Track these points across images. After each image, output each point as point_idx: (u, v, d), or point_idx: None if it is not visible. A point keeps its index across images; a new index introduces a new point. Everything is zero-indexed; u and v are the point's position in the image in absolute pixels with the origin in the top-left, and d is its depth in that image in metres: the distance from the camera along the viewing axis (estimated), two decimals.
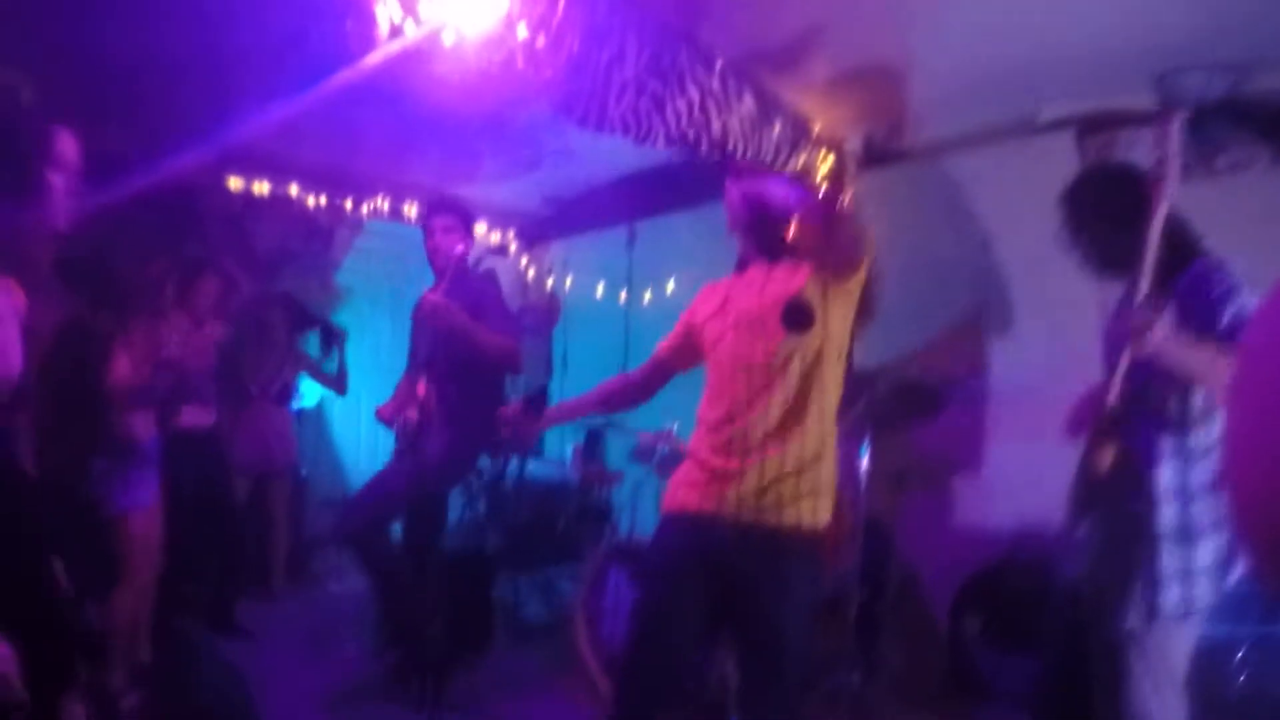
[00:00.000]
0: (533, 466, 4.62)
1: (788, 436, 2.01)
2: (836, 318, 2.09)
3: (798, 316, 2.03)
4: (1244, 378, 0.61)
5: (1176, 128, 1.71)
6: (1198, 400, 1.91)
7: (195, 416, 3.99)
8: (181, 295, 4.03)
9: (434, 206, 3.74)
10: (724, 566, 1.99)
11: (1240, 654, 1.88)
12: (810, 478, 2.02)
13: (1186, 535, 1.89)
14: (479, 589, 3.91)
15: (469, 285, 3.61)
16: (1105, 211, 2.11)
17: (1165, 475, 1.92)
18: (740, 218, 2.24)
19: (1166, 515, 1.90)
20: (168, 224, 4.41)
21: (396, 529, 3.65)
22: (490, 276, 3.94)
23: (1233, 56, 3.25)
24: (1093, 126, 3.74)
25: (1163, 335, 1.76)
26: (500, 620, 4.05)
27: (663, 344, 2.46)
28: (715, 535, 2.01)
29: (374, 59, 2.92)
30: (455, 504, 4.36)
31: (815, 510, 2.02)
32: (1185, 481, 1.90)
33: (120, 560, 3.11)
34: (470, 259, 3.57)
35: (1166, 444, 1.92)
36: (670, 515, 2.14)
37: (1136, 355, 1.82)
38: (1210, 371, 1.74)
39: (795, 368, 2.03)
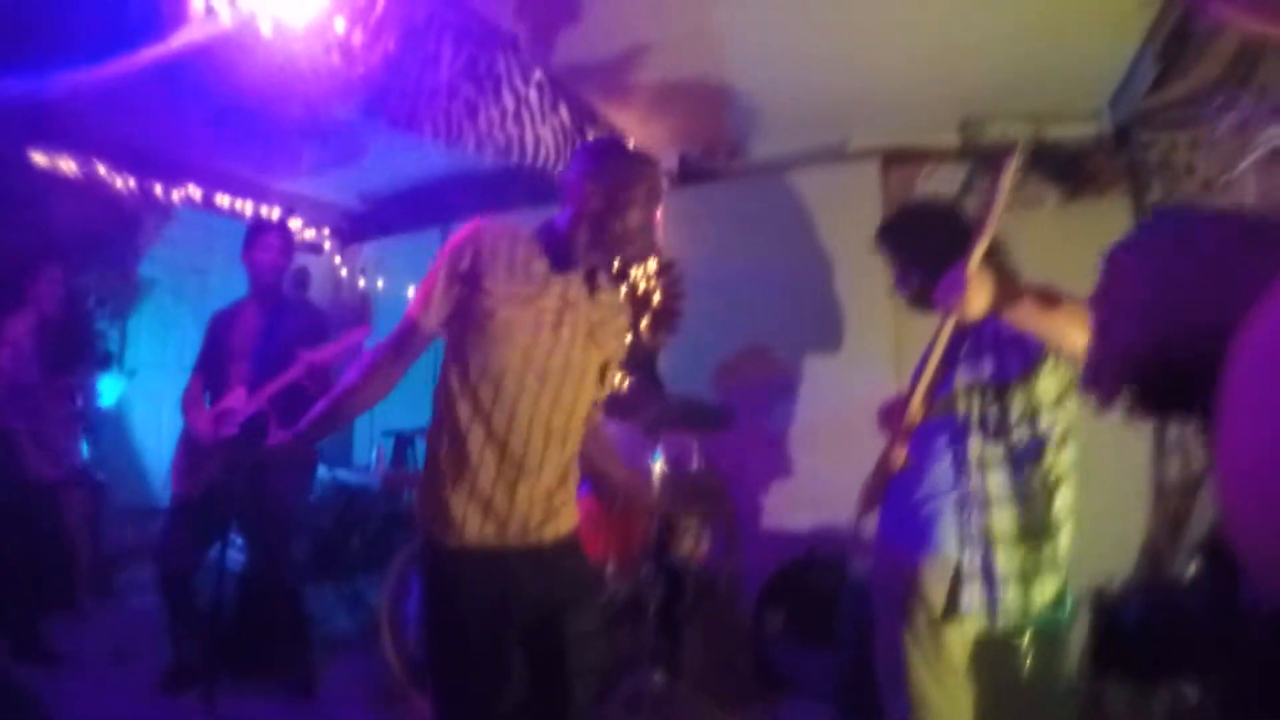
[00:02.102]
0: (339, 474, 4.48)
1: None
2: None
3: None
4: (1240, 384, 0.60)
5: (1012, 166, 1.79)
6: (1016, 406, 1.99)
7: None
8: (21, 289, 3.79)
9: (261, 226, 3.63)
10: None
11: (1025, 639, 1.98)
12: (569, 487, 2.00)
13: (1017, 539, 1.95)
14: (286, 601, 3.75)
15: (289, 308, 3.60)
16: (923, 245, 2.17)
17: (995, 481, 1.99)
18: None
19: (999, 519, 1.97)
20: None
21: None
22: (302, 278, 3.82)
23: (1029, 107, 3.58)
24: (897, 159, 4.02)
25: (987, 289, 1.78)
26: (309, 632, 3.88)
27: None
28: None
29: (188, 37, 2.78)
30: None
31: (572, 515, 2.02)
32: (1016, 485, 1.97)
33: None
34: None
35: (993, 452, 2.00)
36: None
37: (963, 320, 1.85)
38: (1038, 317, 1.78)
39: None
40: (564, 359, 1.87)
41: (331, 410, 1.97)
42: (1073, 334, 1.77)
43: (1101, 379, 0.79)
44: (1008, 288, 1.82)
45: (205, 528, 3.35)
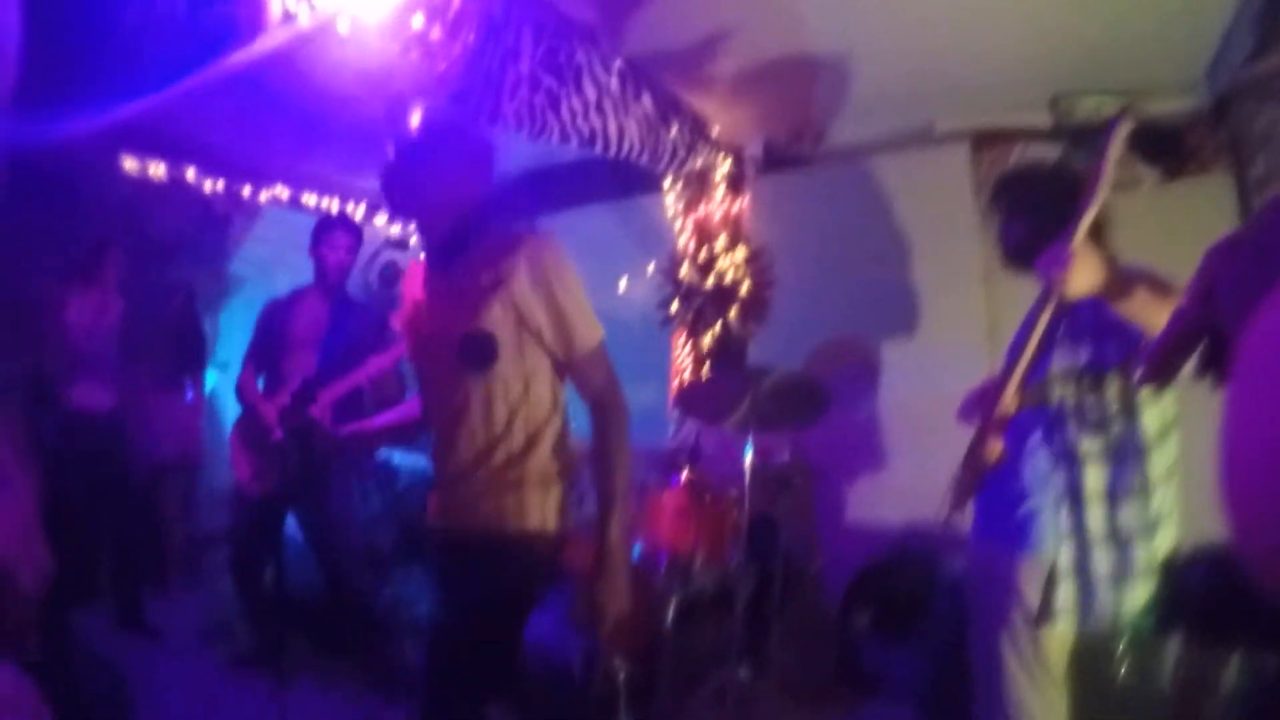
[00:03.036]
0: (427, 461, 4.54)
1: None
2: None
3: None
4: (1244, 383, 0.60)
5: (1123, 133, 1.71)
6: (1114, 397, 1.92)
7: (92, 397, 3.85)
8: (86, 272, 3.92)
9: (329, 222, 3.69)
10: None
11: (1121, 647, 1.90)
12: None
13: (1114, 539, 1.88)
14: (372, 586, 3.84)
15: (355, 307, 3.67)
16: (1034, 203, 2.10)
17: (1092, 476, 1.92)
18: None
19: (1093, 517, 1.90)
20: (56, 205, 4.23)
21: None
22: (390, 273, 3.87)
23: (1122, 82, 3.42)
24: (987, 141, 3.87)
25: (1092, 268, 1.71)
26: (393, 617, 3.97)
27: None
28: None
29: (268, 41, 2.84)
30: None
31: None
32: (1112, 483, 1.90)
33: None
34: (373, 251, 3.51)
35: (1091, 445, 1.93)
36: None
37: (1062, 299, 1.77)
38: (1145, 304, 1.70)
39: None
40: None
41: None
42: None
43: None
44: (1112, 269, 1.73)
45: (273, 520, 3.45)
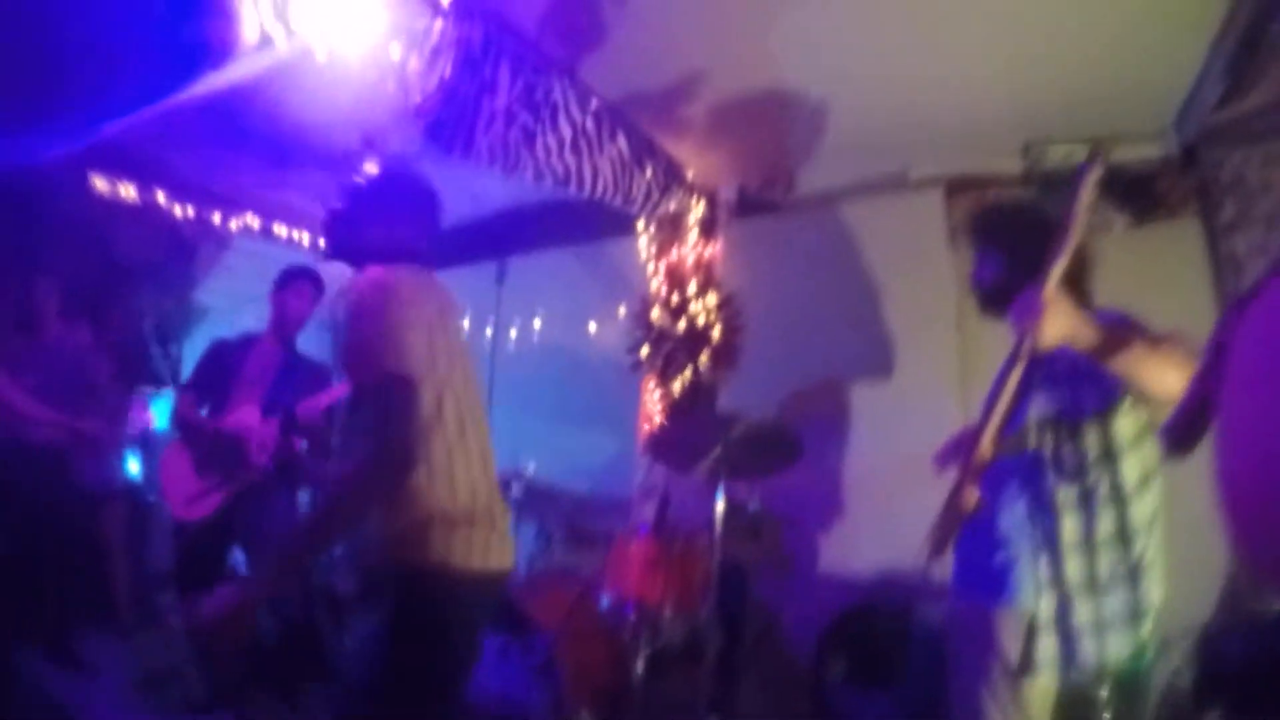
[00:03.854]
0: None
1: None
2: None
3: None
4: (1237, 388, 0.60)
5: (1092, 177, 1.68)
6: (1092, 445, 1.88)
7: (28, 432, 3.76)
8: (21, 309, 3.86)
9: (296, 272, 3.64)
10: None
11: (1104, 692, 1.85)
12: None
13: (1093, 588, 1.84)
14: (329, 630, 3.71)
15: (306, 360, 3.64)
16: (1008, 241, 2.08)
17: (1069, 526, 1.87)
18: None
19: (1071, 567, 1.85)
20: (20, 223, 4.14)
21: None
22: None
23: (1093, 129, 3.45)
24: (960, 187, 3.89)
25: (1063, 317, 1.68)
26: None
27: None
28: None
29: (245, 67, 2.79)
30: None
31: None
32: (1090, 532, 1.85)
33: None
34: (341, 286, 3.44)
35: (1068, 495, 1.88)
36: None
37: (1035, 349, 1.73)
38: (1127, 355, 1.67)
39: None
40: None
41: None
42: (1153, 372, 1.66)
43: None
44: (1084, 317, 1.70)
45: (217, 551, 3.38)
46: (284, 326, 3.57)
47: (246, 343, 3.60)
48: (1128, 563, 1.84)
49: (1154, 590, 1.84)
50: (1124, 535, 1.84)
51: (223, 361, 3.55)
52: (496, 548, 1.91)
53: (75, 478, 4.12)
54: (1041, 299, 1.68)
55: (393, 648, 1.82)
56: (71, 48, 3.12)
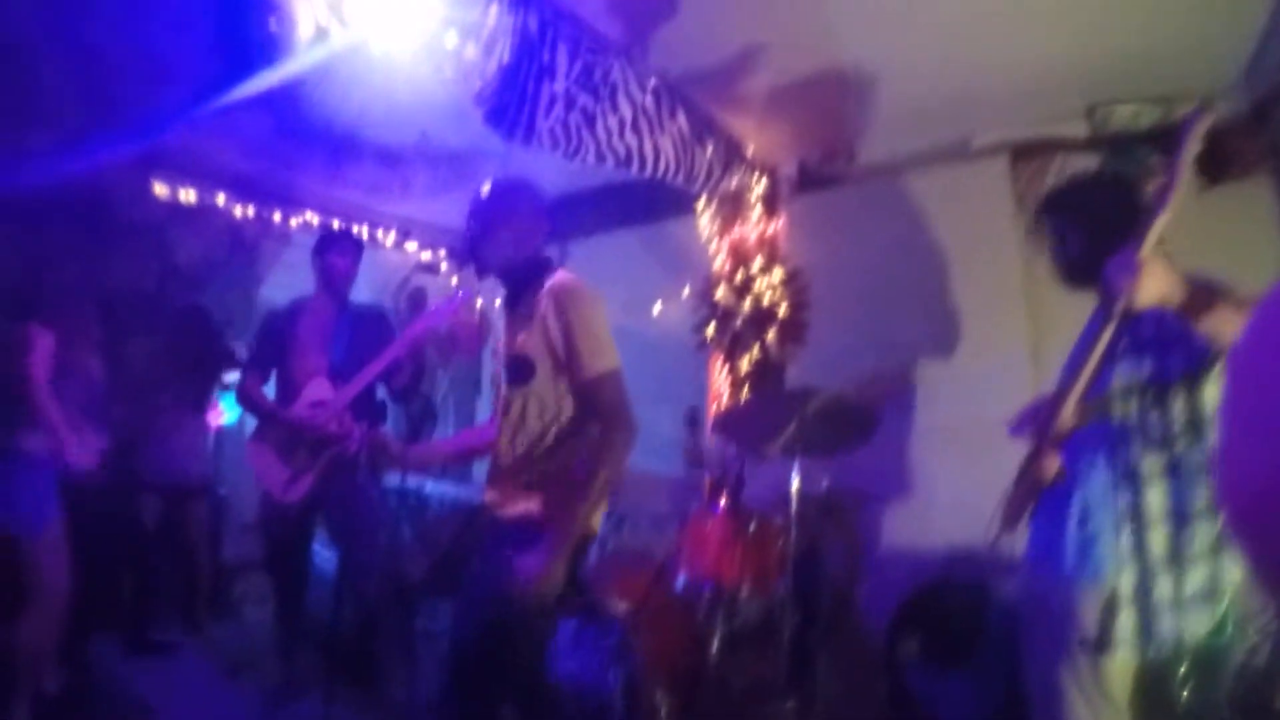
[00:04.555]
0: (458, 490, 4.50)
1: None
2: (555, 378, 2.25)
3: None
4: (1238, 387, 0.58)
5: (1199, 131, 1.64)
6: (1179, 413, 1.83)
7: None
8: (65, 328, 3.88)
9: (333, 234, 3.78)
10: None
11: (1183, 669, 1.80)
12: None
13: (1177, 563, 1.79)
14: (403, 617, 3.77)
15: (363, 312, 3.70)
16: (1091, 215, 2.03)
17: (1154, 497, 1.83)
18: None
19: (1155, 540, 1.81)
20: (86, 228, 4.25)
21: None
22: (418, 297, 3.85)
23: (1158, 89, 3.36)
24: (1025, 153, 3.79)
25: (1161, 277, 1.66)
26: (425, 648, 3.91)
27: None
28: None
29: (301, 62, 2.82)
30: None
31: None
32: (1176, 503, 1.81)
33: (25, 583, 2.93)
34: (403, 277, 3.48)
35: (1153, 464, 1.84)
36: None
37: (1130, 309, 1.71)
38: (1217, 316, 1.63)
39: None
40: None
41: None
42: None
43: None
44: (1181, 277, 1.66)
45: (305, 533, 3.45)
46: (333, 286, 3.58)
47: (298, 308, 3.62)
48: (1213, 537, 1.78)
49: (1234, 566, 1.79)
50: (1211, 508, 1.78)
51: (277, 330, 3.57)
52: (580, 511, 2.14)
53: (152, 475, 4.24)
54: (1138, 257, 1.65)
55: (488, 629, 2.06)
56: (126, 50, 3.19)
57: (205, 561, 4.72)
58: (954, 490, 3.54)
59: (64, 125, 3.66)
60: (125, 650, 3.96)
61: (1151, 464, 1.84)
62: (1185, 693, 1.80)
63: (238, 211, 4.75)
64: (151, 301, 4.26)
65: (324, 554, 4.01)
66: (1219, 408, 0.58)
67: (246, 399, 3.56)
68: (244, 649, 4.17)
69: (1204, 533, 1.78)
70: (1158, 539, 1.81)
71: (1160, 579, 1.79)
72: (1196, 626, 1.77)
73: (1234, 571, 1.78)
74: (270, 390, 3.58)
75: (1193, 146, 1.64)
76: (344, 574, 3.38)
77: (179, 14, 2.97)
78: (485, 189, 2.38)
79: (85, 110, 3.63)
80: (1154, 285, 1.65)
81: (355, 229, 4.97)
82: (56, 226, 4.14)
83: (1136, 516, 1.84)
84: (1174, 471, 1.83)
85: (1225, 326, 1.62)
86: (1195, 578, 1.78)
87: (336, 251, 3.59)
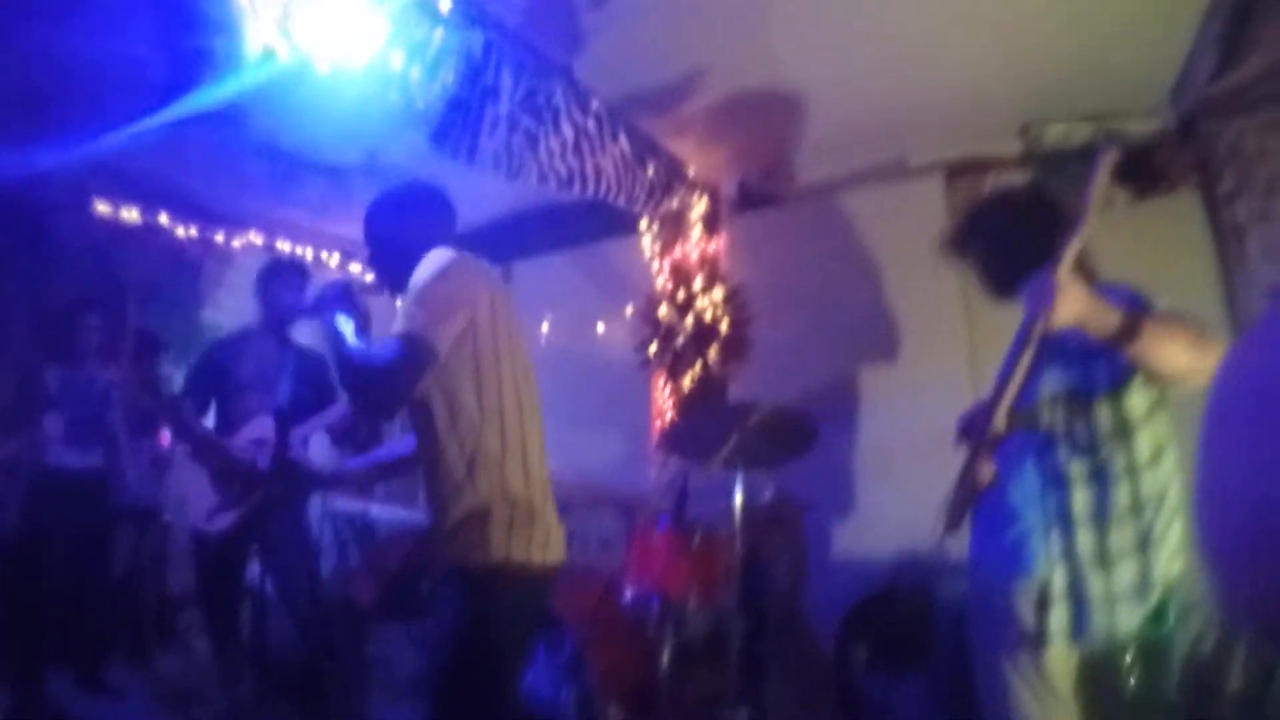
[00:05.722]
0: (406, 514, 4.45)
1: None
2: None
3: None
4: (1219, 424, 0.58)
5: (1108, 162, 1.71)
6: (1104, 421, 1.90)
7: (75, 458, 3.85)
8: (66, 340, 3.91)
9: (281, 263, 3.69)
10: None
11: (1128, 658, 1.86)
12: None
13: (1103, 561, 1.86)
14: (353, 643, 3.72)
15: (303, 350, 3.60)
16: (1014, 231, 2.10)
17: (1080, 500, 1.90)
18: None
19: (1083, 540, 1.88)
20: (25, 246, 4.17)
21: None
22: (363, 320, 3.82)
23: (1090, 107, 3.50)
24: (960, 171, 3.92)
25: (1076, 299, 1.72)
26: (374, 674, 3.86)
27: None
28: None
29: (246, 80, 2.81)
30: (327, 554, 4.19)
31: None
32: (1101, 506, 1.88)
33: None
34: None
35: (1079, 469, 1.91)
36: None
37: (1049, 328, 1.76)
38: (1142, 342, 1.70)
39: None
40: None
41: None
42: (1163, 350, 1.69)
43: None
44: (1096, 299, 1.73)
45: (238, 563, 3.37)
46: (277, 320, 3.49)
47: (240, 341, 3.55)
48: (1139, 536, 1.86)
49: (1166, 562, 1.86)
50: (1135, 509, 1.86)
51: (218, 362, 3.49)
52: (555, 540, 2.00)
53: (96, 504, 4.14)
54: (1055, 281, 1.71)
55: (462, 643, 1.88)
56: (69, 63, 3.14)
57: (150, 590, 4.61)
58: (896, 497, 3.63)
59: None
60: (76, 687, 3.85)
61: (1078, 469, 1.91)
62: (1131, 681, 1.86)
63: (180, 232, 4.68)
64: (95, 323, 4.17)
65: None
66: (1196, 454, 0.59)
67: (183, 428, 3.49)
68: (191, 682, 4.08)
69: (1128, 532, 1.85)
70: (1085, 539, 1.88)
71: (1090, 576, 1.86)
72: (1129, 620, 1.84)
73: (1165, 566, 1.85)
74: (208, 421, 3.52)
75: (1103, 177, 1.71)
76: (281, 601, 3.33)
77: (123, 26, 2.93)
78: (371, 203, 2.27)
79: (23, 119, 3.55)
80: (1070, 307, 1.71)
81: (299, 250, 4.93)
82: None
83: (1064, 518, 1.91)
84: (1098, 476, 1.89)
85: (1145, 346, 1.69)
86: (1124, 574, 1.84)
87: (283, 285, 3.50)
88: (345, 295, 2.10)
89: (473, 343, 1.94)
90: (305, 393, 3.35)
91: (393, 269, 2.14)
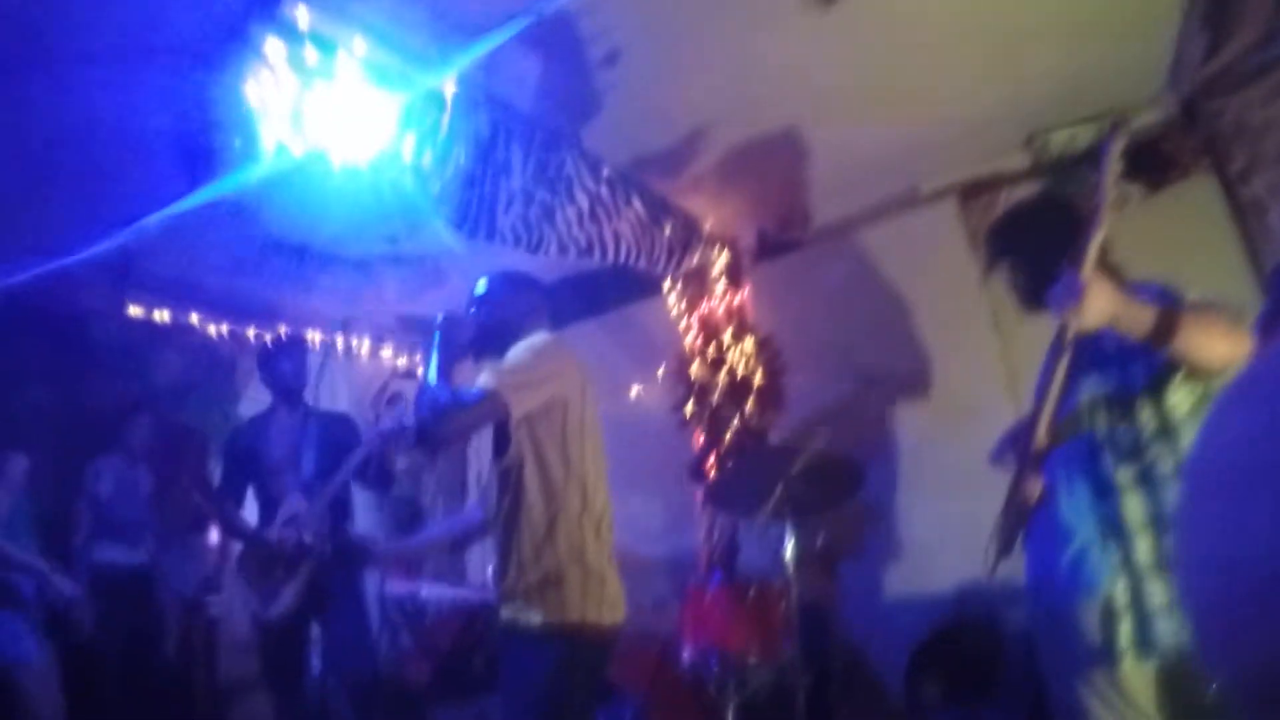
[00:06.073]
0: (455, 592, 4.44)
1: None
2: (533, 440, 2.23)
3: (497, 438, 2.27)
4: (1198, 482, 0.57)
5: (1116, 150, 1.71)
6: (1147, 422, 1.85)
7: (121, 555, 3.96)
8: (114, 440, 4.06)
9: (274, 345, 3.78)
10: None
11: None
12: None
13: (1163, 568, 1.78)
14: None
15: (317, 413, 3.69)
16: (1036, 240, 2.08)
17: (1132, 506, 1.83)
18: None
19: (1140, 548, 1.81)
20: (59, 348, 4.28)
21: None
22: (394, 401, 3.88)
23: (1091, 108, 3.48)
24: (973, 191, 3.91)
25: (1105, 298, 1.69)
26: None
27: None
28: None
29: (262, 174, 2.90)
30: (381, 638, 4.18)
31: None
32: (1155, 511, 1.81)
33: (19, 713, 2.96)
34: (381, 384, 3.50)
35: (1126, 474, 1.85)
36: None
37: (1080, 330, 1.74)
38: (1181, 337, 1.67)
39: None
40: None
41: None
42: (1200, 343, 1.66)
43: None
44: (1125, 296, 1.71)
45: (301, 645, 3.38)
46: (287, 392, 3.58)
47: (261, 423, 3.62)
48: None
49: None
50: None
51: (244, 449, 3.56)
52: (620, 601, 2.22)
53: (146, 599, 4.20)
54: (1080, 281, 1.69)
55: (537, 703, 2.02)
56: (88, 156, 3.23)
57: (202, 682, 4.62)
58: (951, 528, 3.55)
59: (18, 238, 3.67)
60: None
61: (1125, 474, 1.86)
62: (1213, 687, 1.80)
63: (212, 330, 4.77)
64: (145, 420, 4.27)
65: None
66: (1176, 515, 0.59)
67: (226, 524, 3.55)
68: None
69: None
70: (1143, 546, 1.81)
71: (1151, 585, 1.79)
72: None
73: None
74: (252, 508, 3.56)
75: (1113, 166, 1.71)
76: (342, 684, 3.34)
77: (138, 124, 3.01)
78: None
79: (43, 223, 3.65)
80: (1099, 306, 1.69)
81: (328, 338, 5.01)
82: (28, 347, 4.17)
83: (1118, 526, 1.85)
84: (1146, 479, 1.84)
85: (1180, 339, 1.66)
86: None
87: (283, 357, 3.61)
88: (449, 329, 2.35)
89: (563, 415, 2.20)
90: (333, 458, 3.38)
91: (494, 337, 2.36)
